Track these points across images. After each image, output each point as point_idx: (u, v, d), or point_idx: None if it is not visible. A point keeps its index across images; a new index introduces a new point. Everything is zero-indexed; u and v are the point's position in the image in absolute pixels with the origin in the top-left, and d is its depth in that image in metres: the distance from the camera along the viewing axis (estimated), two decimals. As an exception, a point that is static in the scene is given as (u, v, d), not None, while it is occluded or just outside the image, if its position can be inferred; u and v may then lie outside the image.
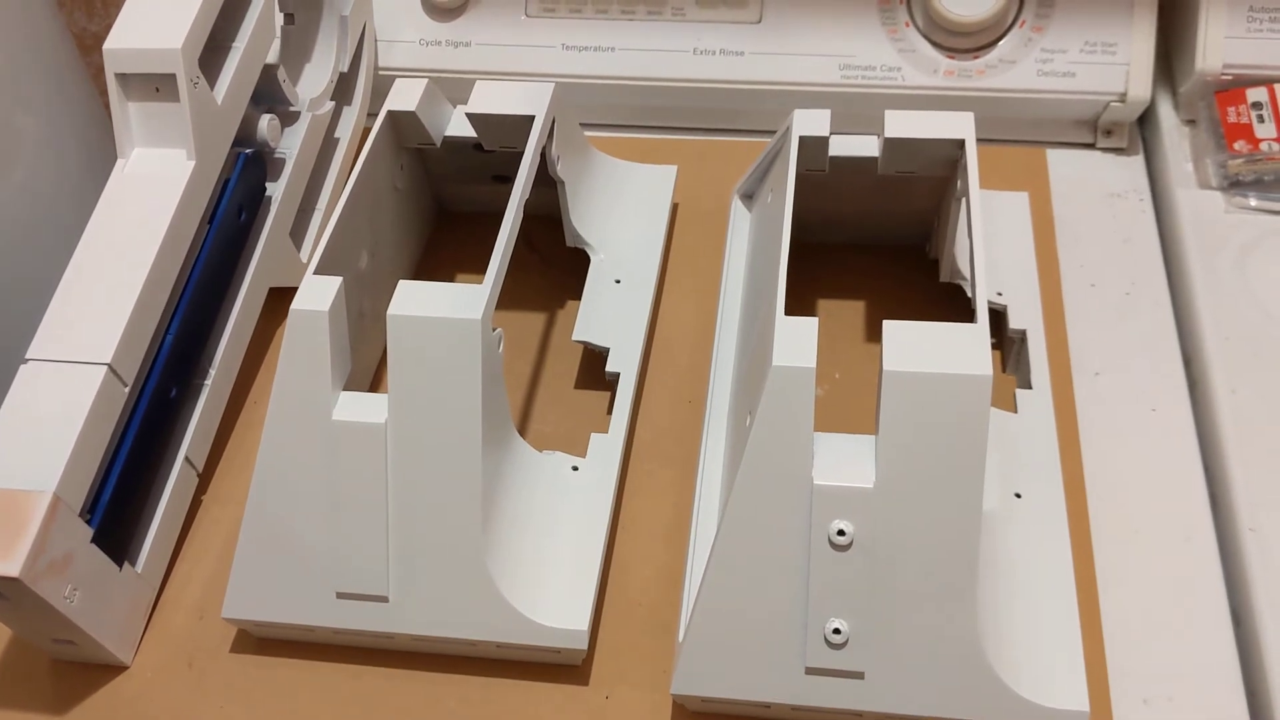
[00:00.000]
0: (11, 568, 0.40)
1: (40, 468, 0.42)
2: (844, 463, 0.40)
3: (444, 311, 0.43)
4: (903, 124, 0.48)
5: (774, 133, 0.56)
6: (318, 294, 0.44)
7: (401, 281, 0.44)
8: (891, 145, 0.49)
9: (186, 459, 0.50)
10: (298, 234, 0.59)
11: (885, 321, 0.40)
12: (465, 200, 0.62)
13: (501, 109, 0.51)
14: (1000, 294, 0.53)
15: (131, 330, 0.46)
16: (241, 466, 0.54)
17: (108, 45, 0.49)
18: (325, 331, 0.44)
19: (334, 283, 0.44)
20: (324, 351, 0.44)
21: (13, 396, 0.44)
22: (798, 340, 0.40)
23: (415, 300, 0.43)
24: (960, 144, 0.48)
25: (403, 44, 0.67)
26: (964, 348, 0.39)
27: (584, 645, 0.44)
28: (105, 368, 0.44)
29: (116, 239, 0.48)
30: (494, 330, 0.44)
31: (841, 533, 0.40)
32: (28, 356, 0.45)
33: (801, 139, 0.49)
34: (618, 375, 0.52)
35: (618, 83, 0.65)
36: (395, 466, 0.43)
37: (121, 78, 0.49)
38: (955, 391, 0.39)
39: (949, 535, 0.39)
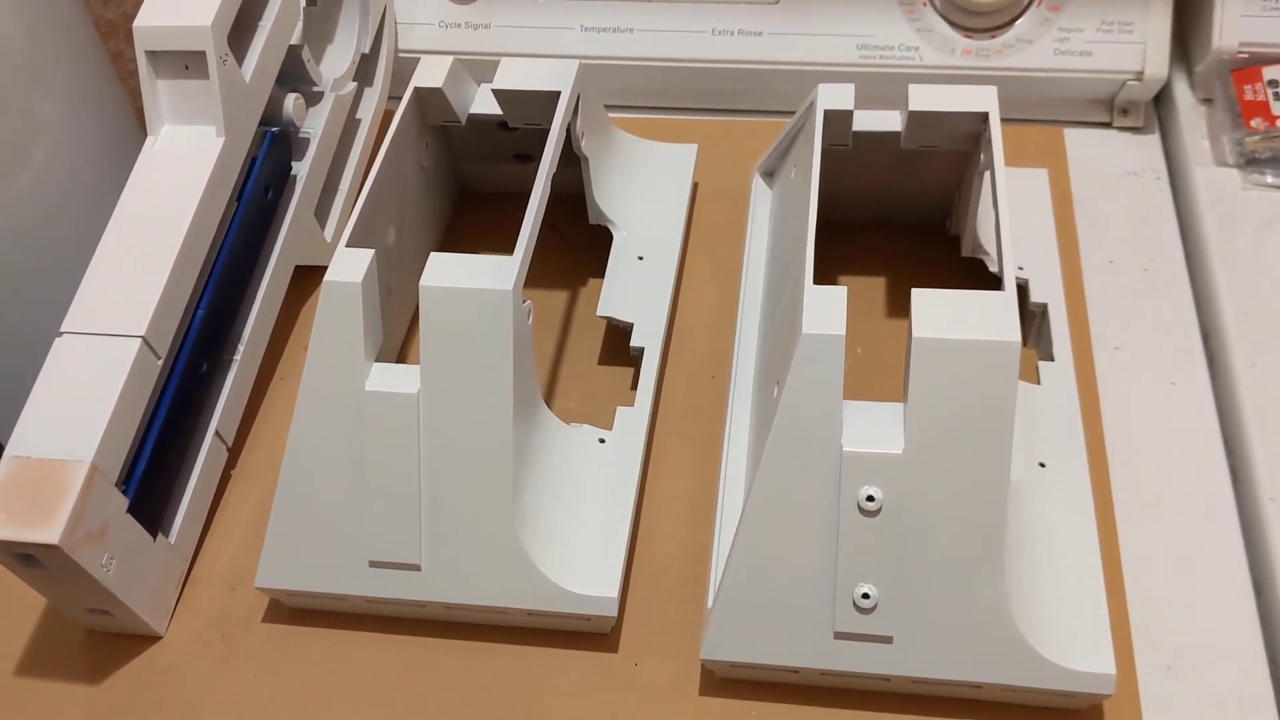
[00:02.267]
0: (51, 535, 0.41)
1: (77, 438, 0.43)
2: (873, 429, 0.40)
3: (475, 282, 0.43)
4: (926, 97, 0.49)
5: (792, 113, 0.56)
6: (351, 266, 0.45)
7: (433, 254, 0.44)
8: (915, 119, 0.49)
9: (217, 433, 0.51)
10: (321, 214, 0.59)
11: (914, 289, 0.41)
12: (487, 179, 0.63)
13: (527, 85, 0.52)
14: (1021, 268, 0.53)
15: (164, 304, 0.46)
16: (269, 442, 0.54)
17: (138, 23, 0.49)
18: (358, 303, 0.44)
19: (366, 255, 0.45)
20: (357, 323, 0.44)
21: (49, 369, 0.45)
22: (827, 308, 0.41)
23: (447, 271, 0.43)
24: (983, 117, 0.48)
25: (422, 26, 0.67)
26: (992, 315, 0.40)
27: (614, 612, 0.44)
28: (140, 340, 0.45)
29: (148, 214, 0.48)
30: (523, 302, 0.45)
31: (871, 498, 0.40)
32: (63, 329, 0.45)
33: (826, 113, 0.50)
34: (642, 350, 0.52)
35: (636, 64, 0.65)
36: (427, 436, 0.44)
37: (151, 55, 0.50)
38: (984, 357, 0.39)
39: (977, 500, 0.40)
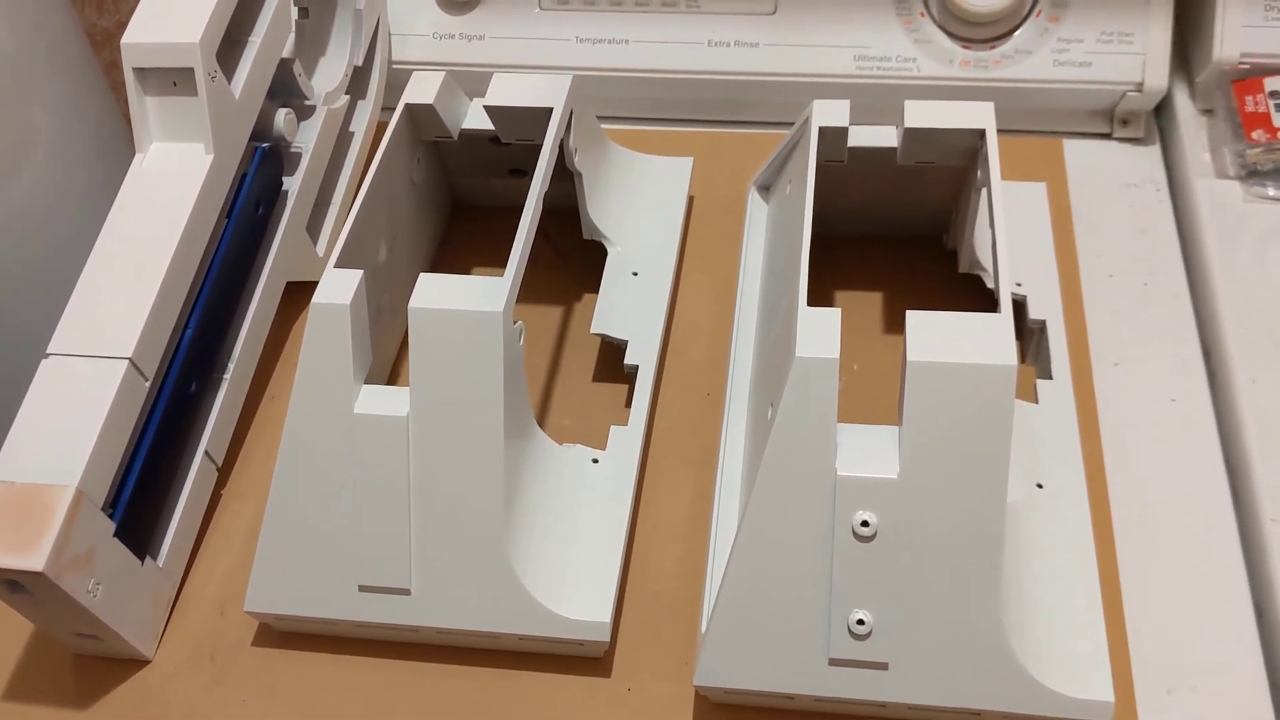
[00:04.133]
0: (36, 562, 0.40)
1: (63, 462, 0.42)
2: (868, 453, 0.40)
3: (466, 304, 0.43)
4: (922, 114, 0.48)
5: (789, 124, 0.56)
6: (339, 287, 0.44)
7: (423, 274, 0.44)
8: (911, 135, 0.49)
9: (206, 453, 0.50)
10: (313, 229, 0.59)
11: (908, 312, 0.40)
12: (480, 194, 0.62)
13: (519, 101, 0.51)
14: (1019, 284, 0.53)
15: (152, 324, 0.46)
16: (260, 461, 0.54)
17: (125, 40, 0.49)
18: (347, 325, 0.44)
19: (355, 276, 0.44)
20: (345, 345, 0.44)
21: (35, 391, 0.44)
22: (821, 331, 0.40)
23: (437, 293, 0.43)
24: (980, 134, 0.48)
25: (416, 38, 0.66)
26: (987, 337, 0.39)
27: (606, 637, 0.44)
28: (127, 362, 0.45)
29: (136, 233, 0.48)
30: (515, 323, 0.44)
31: (865, 523, 0.40)
32: (49, 351, 0.45)
33: (821, 129, 0.49)
34: (636, 368, 0.52)
35: (632, 75, 0.65)
36: (417, 459, 0.43)
37: (140, 72, 0.49)
38: (979, 381, 0.39)
39: (973, 525, 0.39)
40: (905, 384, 0.39)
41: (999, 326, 0.39)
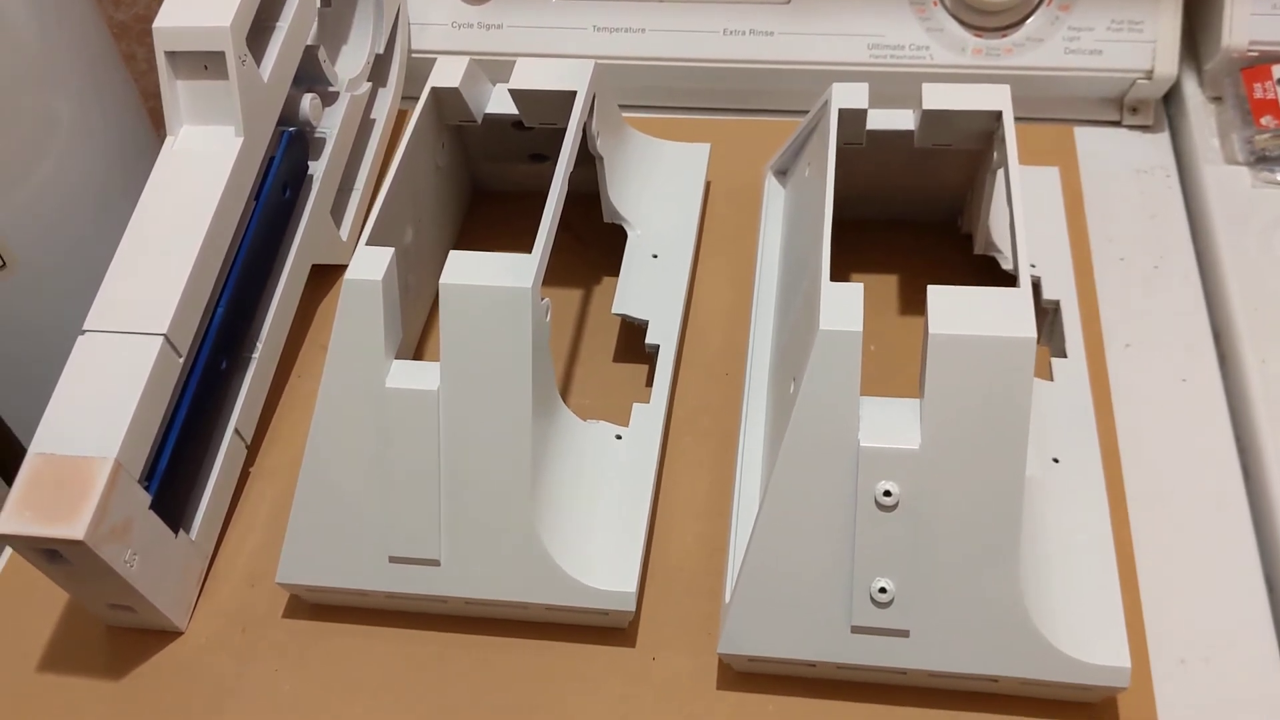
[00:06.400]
0: (76, 530, 0.41)
1: (101, 435, 0.43)
2: (890, 425, 0.41)
3: (495, 280, 0.44)
4: (940, 96, 0.49)
5: (804, 112, 0.57)
6: (371, 264, 0.45)
7: (453, 252, 0.44)
8: (929, 117, 0.50)
9: (236, 430, 0.51)
10: (336, 213, 0.60)
11: (930, 286, 0.41)
12: (501, 179, 0.63)
13: (544, 85, 0.52)
14: (1033, 265, 0.54)
15: (185, 302, 0.47)
16: (286, 440, 0.55)
17: (158, 24, 0.50)
18: (379, 300, 0.44)
19: (386, 253, 0.45)
20: (377, 320, 0.44)
21: (72, 366, 0.45)
22: (844, 305, 0.41)
23: (467, 269, 0.44)
24: (997, 116, 0.49)
25: (435, 26, 0.67)
26: (1007, 311, 0.40)
27: (632, 607, 0.44)
28: (161, 338, 0.45)
29: (168, 213, 0.49)
30: (542, 300, 0.45)
31: (887, 493, 0.40)
32: (85, 328, 0.46)
33: (841, 111, 0.50)
34: (657, 347, 0.53)
35: (648, 64, 0.66)
36: (447, 432, 0.44)
37: (171, 56, 0.50)
38: (999, 354, 0.39)
39: (993, 495, 0.40)
40: (927, 357, 0.40)
41: (1018, 300, 0.40)
